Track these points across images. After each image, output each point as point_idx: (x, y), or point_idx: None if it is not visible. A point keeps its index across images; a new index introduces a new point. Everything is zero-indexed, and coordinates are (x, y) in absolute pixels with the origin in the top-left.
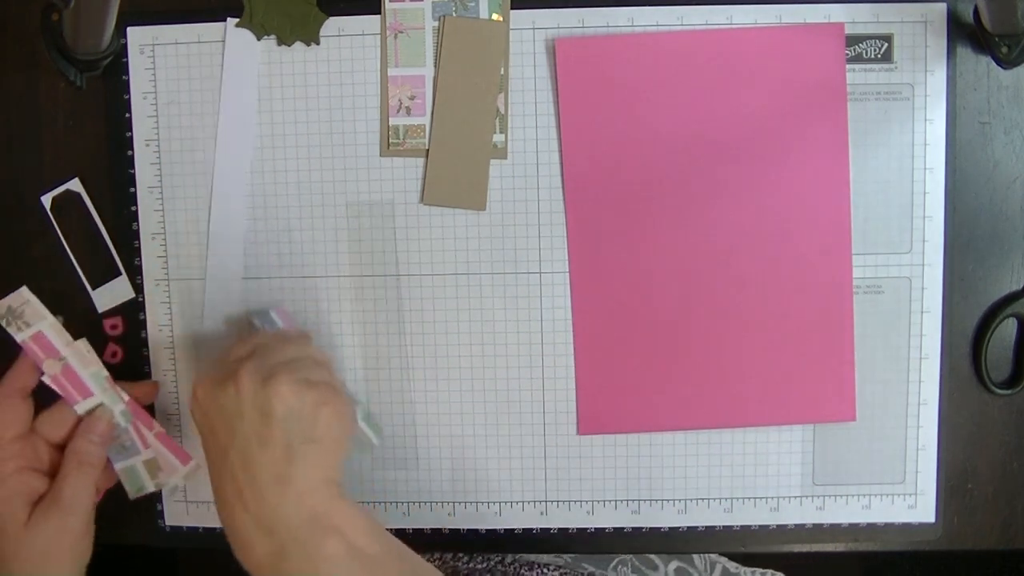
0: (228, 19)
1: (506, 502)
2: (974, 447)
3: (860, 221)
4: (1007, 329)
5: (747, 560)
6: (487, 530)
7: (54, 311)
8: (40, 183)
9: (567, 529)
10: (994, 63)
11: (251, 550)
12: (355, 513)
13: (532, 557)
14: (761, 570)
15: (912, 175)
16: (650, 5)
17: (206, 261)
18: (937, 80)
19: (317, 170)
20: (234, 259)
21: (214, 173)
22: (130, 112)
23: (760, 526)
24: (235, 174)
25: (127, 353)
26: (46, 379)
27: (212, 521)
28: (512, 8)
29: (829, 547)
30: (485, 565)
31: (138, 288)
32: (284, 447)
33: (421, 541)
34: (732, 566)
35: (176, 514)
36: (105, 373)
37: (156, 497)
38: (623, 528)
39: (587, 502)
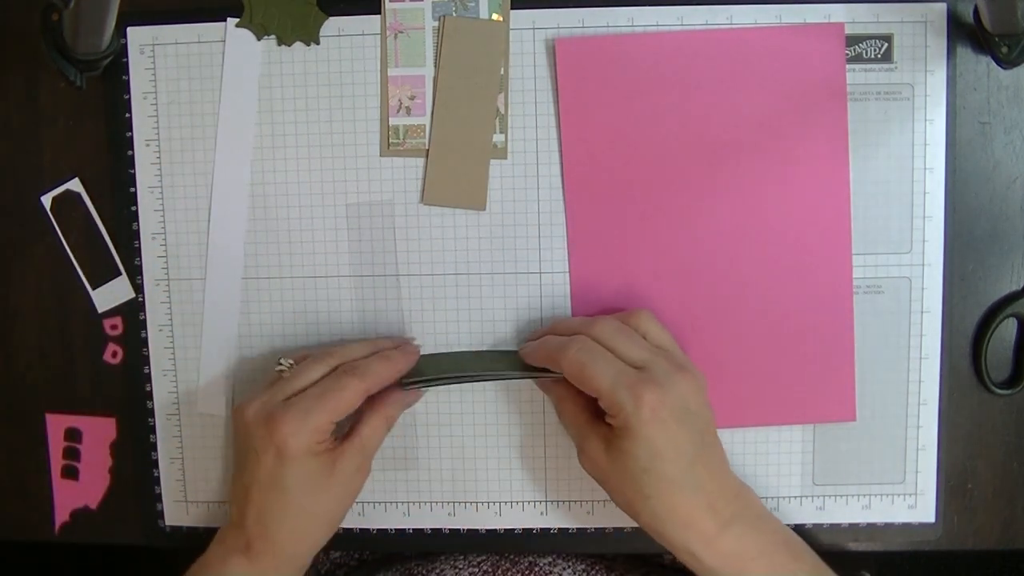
0: (228, 19)
1: (506, 502)
2: (974, 447)
3: (860, 221)
4: (1007, 329)
5: None
6: (487, 530)
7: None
8: (40, 183)
9: (567, 529)
10: (994, 63)
11: None
12: None
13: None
14: None
15: (912, 175)
16: (650, 5)
17: (206, 261)
18: (937, 80)
19: (317, 170)
20: (234, 259)
21: (214, 173)
22: (130, 112)
23: None
24: (235, 174)
25: (127, 353)
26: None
27: (212, 521)
28: (512, 8)
29: (828, 547)
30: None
31: (138, 288)
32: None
33: (421, 541)
34: None
35: (176, 514)
36: None
37: (156, 497)
38: (623, 528)
39: (587, 502)
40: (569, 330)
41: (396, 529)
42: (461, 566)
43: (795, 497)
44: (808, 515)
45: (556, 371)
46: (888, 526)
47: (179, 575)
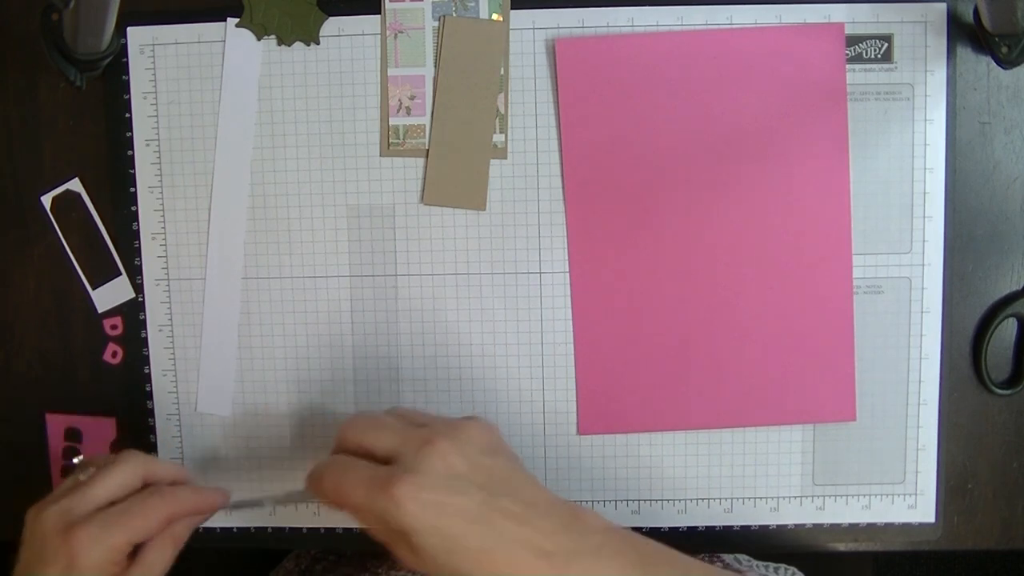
0: (228, 19)
1: None
2: (974, 447)
3: (860, 221)
4: (1007, 329)
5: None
6: None
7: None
8: (40, 183)
9: None
10: (994, 63)
11: None
12: None
13: None
14: (775, 564)
15: (912, 175)
16: (650, 5)
17: (206, 261)
18: (937, 80)
19: (317, 170)
20: (234, 259)
21: (214, 173)
22: (130, 112)
23: (760, 526)
24: (235, 174)
25: (127, 353)
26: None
27: (211, 521)
28: (512, 8)
29: (832, 547)
30: None
31: (138, 288)
32: None
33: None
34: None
35: None
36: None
37: None
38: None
39: (587, 502)
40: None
41: None
42: None
43: (795, 497)
44: (808, 515)
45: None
46: (888, 526)
47: (178, 575)
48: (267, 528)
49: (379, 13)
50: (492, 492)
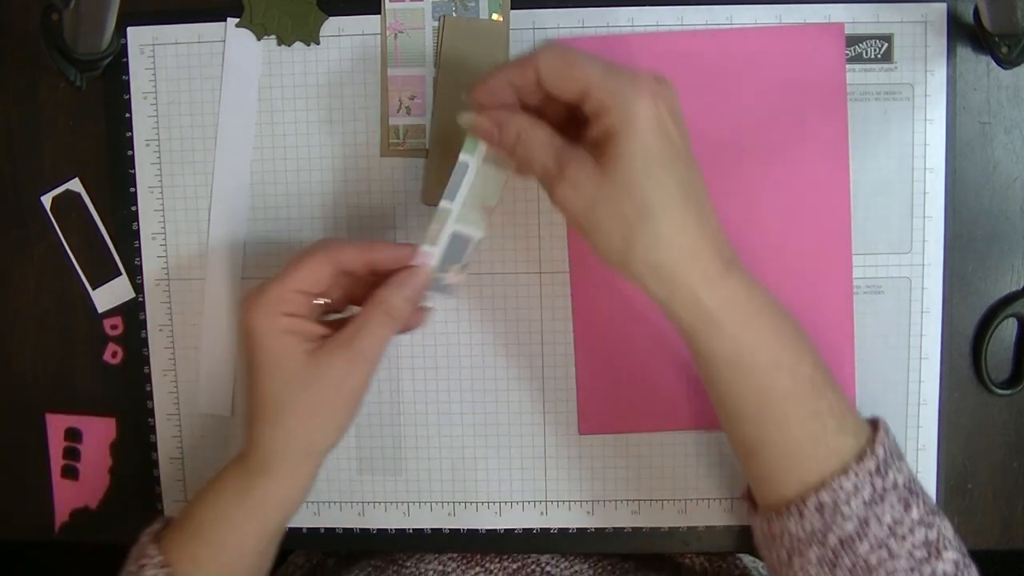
0: (228, 19)
1: (506, 502)
2: (974, 447)
3: (860, 221)
4: (1007, 329)
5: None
6: (487, 530)
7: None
8: (40, 183)
9: (567, 529)
10: (994, 63)
11: None
12: None
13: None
14: None
15: (912, 175)
16: (650, 5)
17: (206, 261)
18: (937, 80)
19: (317, 170)
20: (234, 259)
21: (214, 173)
22: (130, 112)
23: None
24: (235, 174)
25: (127, 353)
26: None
27: None
28: (512, 8)
29: None
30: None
31: (138, 288)
32: None
33: (421, 541)
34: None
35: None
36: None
37: (156, 497)
38: (623, 528)
39: (587, 502)
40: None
41: (396, 529)
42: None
43: None
44: None
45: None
46: None
47: None
48: None
49: (379, 13)
50: (691, 161)
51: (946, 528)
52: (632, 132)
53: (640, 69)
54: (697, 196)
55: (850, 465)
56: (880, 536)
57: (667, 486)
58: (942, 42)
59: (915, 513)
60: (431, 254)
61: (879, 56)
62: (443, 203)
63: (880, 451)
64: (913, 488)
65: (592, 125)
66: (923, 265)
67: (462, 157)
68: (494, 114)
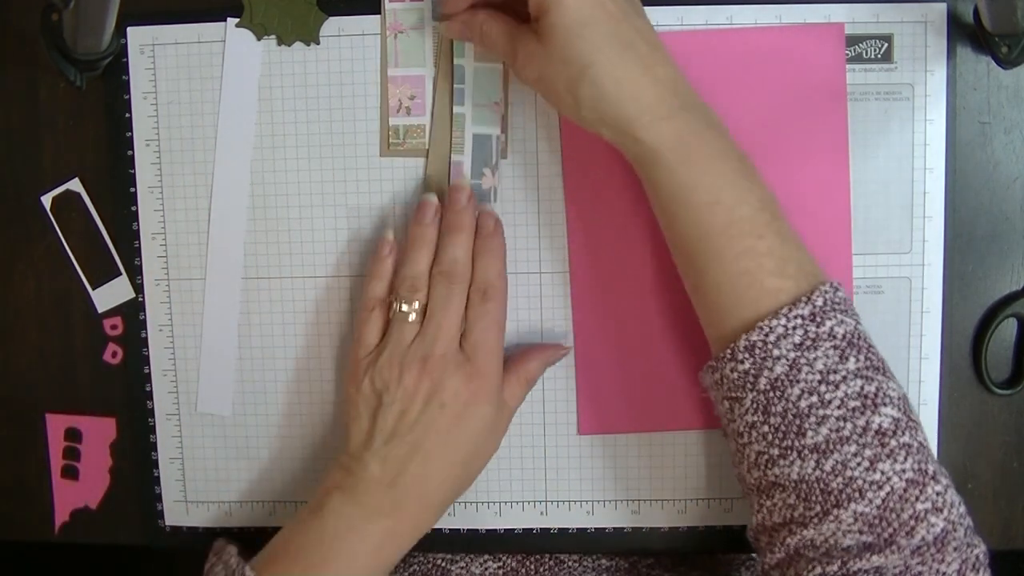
0: (228, 19)
1: (506, 502)
2: (974, 447)
3: (860, 221)
4: (1007, 329)
5: None
6: (487, 530)
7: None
8: (40, 183)
9: (567, 529)
10: (994, 63)
11: None
12: None
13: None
14: None
15: (912, 175)
16: (650, 5)
17: (206, 261)
18: (937, 80)
19: (317, 170)
20: (234, 259)
21: (214, 173)
22: (130, 112)
23: None
24: (235, 174)
25: (127, 353)
26: None
27: (212, 521)
28: None
29: None
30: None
31: (138, 288)
32: None
33: (421, 541)
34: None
35: (176, 514)
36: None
37: (156, 497)
38: (623, 528)
39: (587, 502)
40: None
41: None
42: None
43: None
44: None
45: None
46: None
47: (179, 575)
48: (267, 528)
49: (379, 13)
50: (634, 10)
51: (891, 388)
52: (556, 4)
53: None
54: (637, 48)
55: (783, 308)
56: (811, 382)
57: (667, 486)
58: (942, 42)
59: (851, 364)
60: (463, 162)
61: (879, 56)
62: (456, 110)
63: (819, 300)
64: (856, 343)
65: (530, 4)
66: (923, 265)
67: (456, 61)
68: (461, 17)
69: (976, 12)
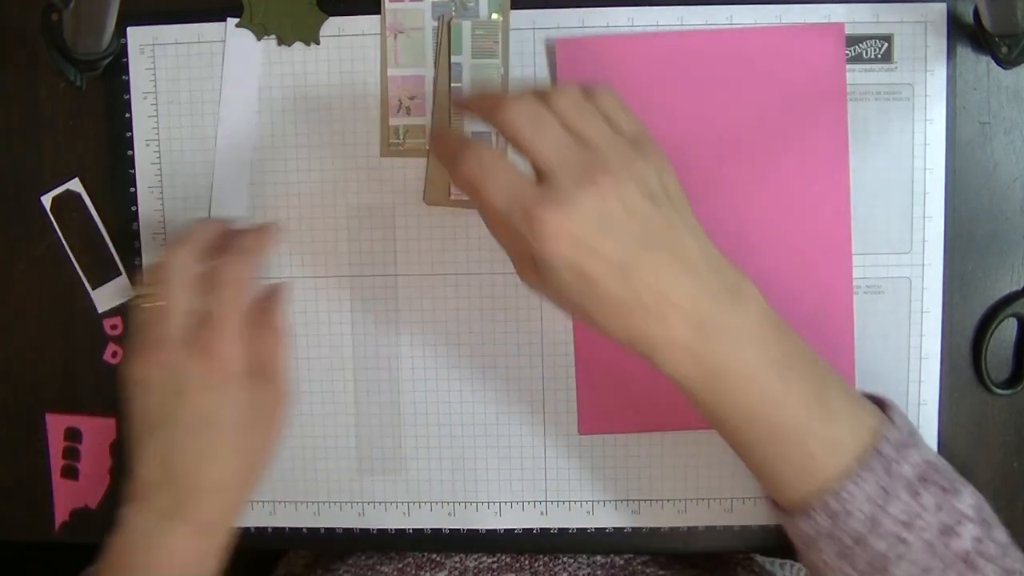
0: (228, 19)
1: (506, 502)
2: (974, 447)
3: (860, 221)
4: (1007, 329)
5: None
6: (487, 530)
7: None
8: (40, 183)
9: (567, 529)
10: (994, 63)
11: None
12: None
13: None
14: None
15: (912, 175)
16: (650, 5)
17: None
18: (937, 80)
19: (317, 170)
20: None
21: (214, 173)
22: (130, 112)
23: (760, 526)
24: (235, 174)
25: (127, 353)
26: None
27: None
28: (512, 8)
29: None
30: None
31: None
32: None
33: (421, 541)
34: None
35: None
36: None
37: None
38: (623, 528)
39: (587, 502)
40: (486, 106)
41: (396, 529)
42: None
43: None
44: None
45: None
46: None
47: None
48: (267, 528)
49: (379, 13)
50: (646, 243)
51: (961, 501)
52: (548, 268)
53: (556, 183)
54: (643, 277)
55: (854, 469)
56: (892, 530)
57: (667, 486)
58: (942, 42)
59: (926, 499)
60: None
61: (879, 56)
62: (455, 109)
63: (886, 448)
64: (924, 473)
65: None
66: (923, 265)
67: (454, 59)
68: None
69: (976, 12)
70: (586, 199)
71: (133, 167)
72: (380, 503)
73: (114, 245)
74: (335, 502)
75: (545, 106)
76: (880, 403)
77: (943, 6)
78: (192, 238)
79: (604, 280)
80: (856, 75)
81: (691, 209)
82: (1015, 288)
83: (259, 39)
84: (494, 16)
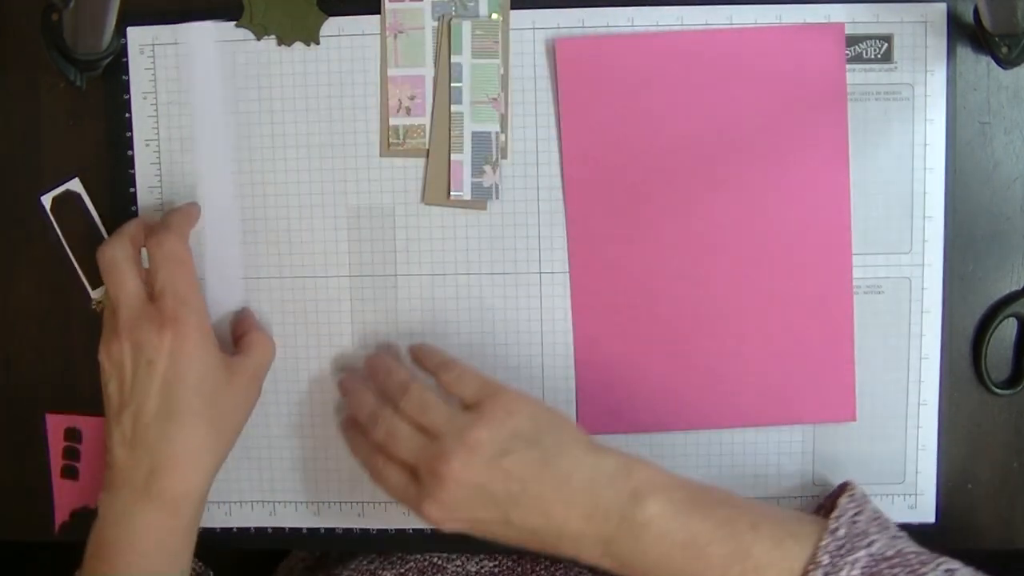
0: (228, 19)
1: None
2: (974, 447)
3: (860, 221)
4: (1007, 329)
5: None
6: None
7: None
8: (40, 183)
9: None
10: (994, 63)
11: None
12: None
13: None
14: None
15: (912, 175)
16: (650, 5)
17: (205, 261)
18: (937, 80)
19: (317, 170)
20: (234, 259)
21: (214, 173)
22: (130, 112)
23: None
24: (235, 174)
25: None
26: None
27: (210, 521)
28: (512, 8)
29: None
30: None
31: None
32: None
33: (421, 541)
34: None
35: None
36: None
37: None
38: None
39: None
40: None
41: (396, 529)
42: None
43: (795, 497)
44: None
45: None
46: None
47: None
48: (267, 528)
49: (379, 13)
50: (524, 492)
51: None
52: (442, 482)
53: (423, 482)
54: (530, 522)
55: None
56: None
57: None
58: (942, 42)
59: None
60: (462, 160)
61: (879, 56)
62: (454, 108)
63: (824, 558)
64: (873, 568)
65: None
66: (923, 265)
67: (454, 59)
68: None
69: (976, 12)
70: (444, 492)
71: (133, 167)
72: (380, 503)
73: None
74: (335, 502)
75: (389, 408)
76: (841, 488)
77: (943, 6)
78: (120, 232)
79: (500, 534)
80: (856, 75)
81: (568, 423)
82: (1015, 288)
83: (259, 39)
84: (494, 16)
